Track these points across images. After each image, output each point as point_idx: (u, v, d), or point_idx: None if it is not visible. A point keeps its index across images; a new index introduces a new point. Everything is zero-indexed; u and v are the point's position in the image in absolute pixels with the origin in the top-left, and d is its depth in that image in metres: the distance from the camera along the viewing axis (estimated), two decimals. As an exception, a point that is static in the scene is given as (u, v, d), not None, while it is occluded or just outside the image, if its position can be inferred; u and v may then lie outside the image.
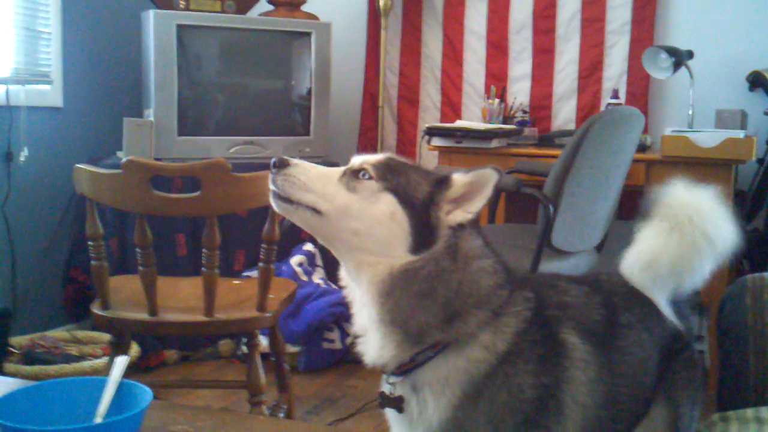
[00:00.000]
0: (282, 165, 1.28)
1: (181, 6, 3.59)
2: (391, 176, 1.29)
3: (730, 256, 1.48)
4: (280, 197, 1.28)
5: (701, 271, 1.45)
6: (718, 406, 1.67)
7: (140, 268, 2.09)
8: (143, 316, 2.13)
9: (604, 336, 1.39)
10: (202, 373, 3.29)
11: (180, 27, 3.46)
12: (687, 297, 1.56)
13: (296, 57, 3.85)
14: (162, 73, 3.45)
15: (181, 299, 2.30)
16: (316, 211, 1.27)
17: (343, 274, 1.35)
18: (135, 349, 3.14)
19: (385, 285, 1.26)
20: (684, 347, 1.55)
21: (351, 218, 1.27)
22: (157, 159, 3.41)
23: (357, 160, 1.32)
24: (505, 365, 1.27)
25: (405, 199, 1.28)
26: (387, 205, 1.28)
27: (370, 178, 1.28)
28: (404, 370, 1.29)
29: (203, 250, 2.11)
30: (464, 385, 1.26)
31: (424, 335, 1.26)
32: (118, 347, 2.29)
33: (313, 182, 1.28)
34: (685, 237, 1.41)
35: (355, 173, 1.28)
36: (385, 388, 1.34)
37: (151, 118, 3.46)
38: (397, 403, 1.31)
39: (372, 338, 1.31)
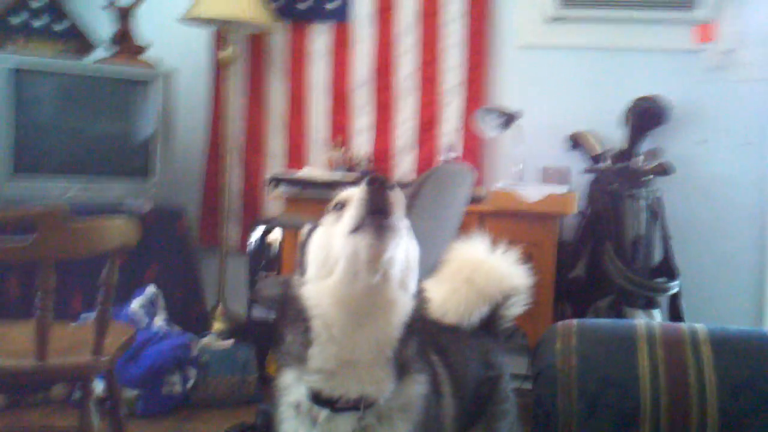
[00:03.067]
0: (387, 183, 1.25)
1: (16, 48, 3.48)
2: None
3: (524, 291, 1.87)
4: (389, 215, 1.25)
5: (480, 309, 1.78)
6: (534, 443, 1.82)
7: (-32, 313, 2.02)
8: (-30, 363, 2.05)
9: (441, 354, 1.56)
10: (33, 419, 3.14)
11: (14, 70, 3.35)
12: (500, 336, 1.83)
13: (140, 100, 3.80)
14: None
15: (13, 343, 2.23)
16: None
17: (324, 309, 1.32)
18: (-41, 397, 2.97)
19: (406, 322, 1.33)
20: (498, 377, 1.77)
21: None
22: (-11, 199, 3.29)
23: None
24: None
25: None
26: (415, 248, 1.36)
27: (401, 218, 1.31)
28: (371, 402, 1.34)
29: (38, 292, 2.06)
30: (421, 406, 1.37)
31: (408, 368, 1.36)
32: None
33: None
34: (462, 292, 1.76)
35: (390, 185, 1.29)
36: (342, 426, 1.34)
37: (-16, 157, 3.33)
38: None
39: (369, 374, 1.32)
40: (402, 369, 1.35)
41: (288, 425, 1.38)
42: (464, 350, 1.69)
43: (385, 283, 1.27)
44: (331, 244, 1.29)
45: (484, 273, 1.80)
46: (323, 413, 1.33)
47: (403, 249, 1.29)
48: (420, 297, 1.39)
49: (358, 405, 1.32)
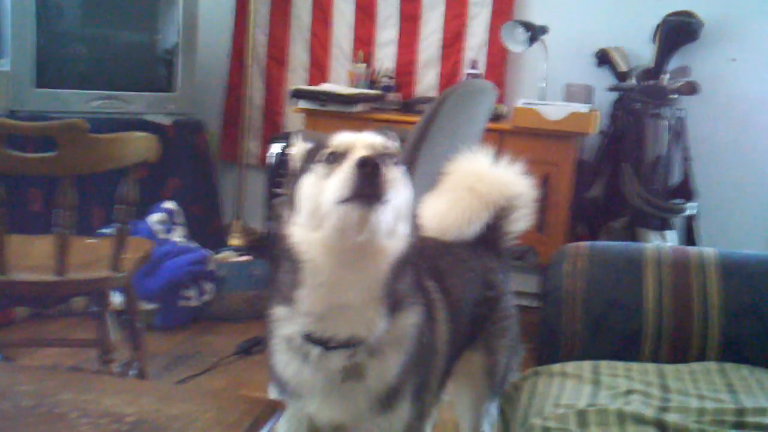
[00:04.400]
0: (378, 165, 1.21)
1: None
2: (396, 157, 1.34)
3: (528, 201, 1.85)
4: (379, 198, 1.22)
5: (482, 217, 1.77)
6: (537, 362, 1.85)
7: (-11, 226, 2.07)
8: (-7, 275, 2.12)
9: (438, 279, 1.56)
10: (53, 330, 3.23)
11: (37, -21, 3.35)
12: (504, 254, 1.84)
13: (163, 11, 3.80)
14: (19, 22, 3.32)
15: (33, 258, 2.28)
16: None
17: (310, 253, 1.31)
18: (-15, 307, 3.07)
19: (396, 263, 1.32)
20: (498, 297, 1.77)
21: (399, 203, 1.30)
22: (13, 111, 3.32)
23: (361, 139, 1.31)
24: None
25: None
26: (407, 186, 1.33)
27: (396, 164, 1.31)
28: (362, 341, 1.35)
29: (57, 209, 2.10)
30: (413, 336, 1.39)
31: (402, 303, 1.37)
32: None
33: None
34: (465, 203, 1.74)
35: (382, 156, 1.28)
36: (334, 362, 1.35)
37: (7, 68, 3.35)
38: (359, 370, 1.36)
39: (359, 315, 1.33)
40: (394, 305, 1.36)
41: (281, 357, 1.40)
42: (462, 272, 1.69)
43: (373, 238, 1.26)
44: (320, 200, 1.27)
45: (486, 181, 1.77)
46: (315, 350, 1.35)
47: (394, 206, 1.26)
48: (413, 233, 1.37)
49: (350, 344, 1.33)
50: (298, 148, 1.42)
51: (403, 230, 1.33)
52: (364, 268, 1.30)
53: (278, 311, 1.39)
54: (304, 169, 1.35)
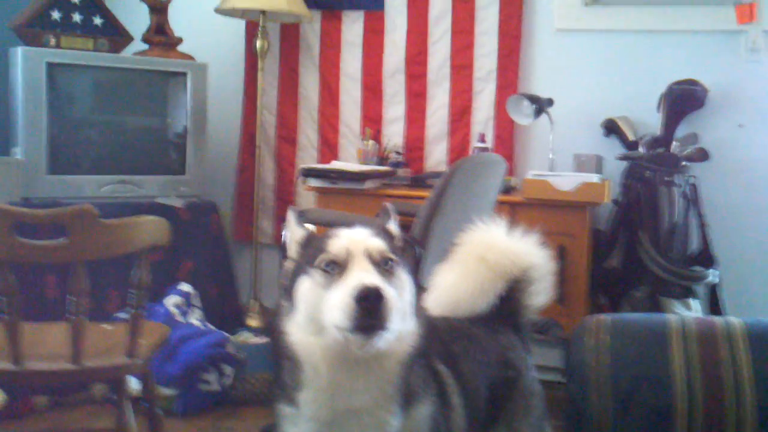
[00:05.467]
0: (379, 296, 1.20)
1: (52, 44, 3.53)
2: (400, 255, 1.33)
3: (545, 272, 1.78)
4: (382, 328, 1.21)
5: (495, 288, 1.71)
6: (566, 440, 1.80)
7: (3, 316, 2.05)
8: (7, 365, 2.08)
9: (451, 364, 1.51)
10: (74, 419, 3.17)
11: (50, 64, 3.42)
12: (524, 329, 1.78)
13: (172, 96, 3.85)
14: (31, 111, 3.38)
15: (49, 346, 2.26)
16: None
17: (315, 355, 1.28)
18: (1, 397, 3.03)
19: (406, 360, 1.30)
20: (519, 375, 1.70)
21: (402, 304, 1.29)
22: (25, 199, 3.34)
23: (360, 244, 1.29)
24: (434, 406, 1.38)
25: (411, 269, 1.36)
26: (411, 282, 1.33)
27: (395, 263, 1.30)
28: None
29: (71, 296, 2.09)
30: (429, 428, 1.35)
31: (415, 395, 1.34)
32: (-20, 397, 2.23)
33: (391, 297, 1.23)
34: (477, 274, 1.69)
35: (381, 263, 1.28)
36: None
37: (19, 157, 3.38)
38: None
39: (370, 418, 1.29)
40: (407, 399, 1.32)
41: None
42: (477, 354, 1.63)
43: (378, 351, 1.24)
44: (319, 310, 1.25)
45: (497, 251, 1.73)
46: None
47: (399, 309, 1.25)
48: (423, 324, 1.34)
49: None
50: (293, 233, 1.40)
51: (411, 327, 1.30)
52: (371, 372, 1.27)
53: (284, 410, 1.34)
54: (301, 268, 1.32)
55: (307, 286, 1.29)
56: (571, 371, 1.89)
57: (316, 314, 1.25)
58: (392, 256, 1.31)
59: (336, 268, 1.27)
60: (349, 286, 1.21)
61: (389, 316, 1.20)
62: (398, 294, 1.26)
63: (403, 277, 1.31)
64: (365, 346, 1.22)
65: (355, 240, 1.30)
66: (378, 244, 1.31)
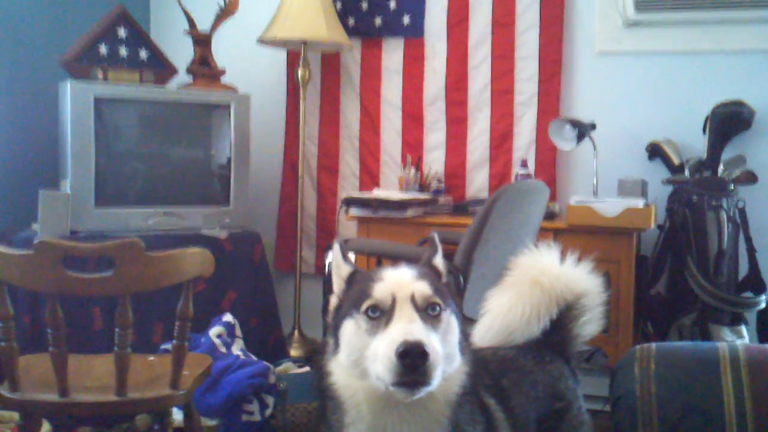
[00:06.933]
0: (423, 354, 1.19)
1: (99, 77, 3.61)
2: (446, 296, 1.33)
3: (597, 299, 1.77)
4: (424, 384, 1.21)
5: (549, 312, 1.69)
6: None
7: (51, 348, 2.09)
8: (53, 397, 2.12)
9: (500, 398, 1.50)
10: (118, 449, 3.21)
11: (97, 99, 3.49)
12: (573, 359, 1.75)
13: (215, 128, 3.90)
14: (79, 145, 3.44)
15: (94, 378, 2.29)
16: None
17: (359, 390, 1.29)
18: (46, 427, 3.06)
19: (452, 401, 1.30)
20: (568, 406, 1.67)
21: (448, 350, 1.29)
22: (73, 231, 3.39)
23: (405, 289, 1.28)
24: None
25: (456, 305, 1.36)
26: (457, 323, 1.33)
27: (441, 309, 1.30)
28: None
29: (116, 329, 2.12)
30: None
31: (462, 430, 1.33)
32: (27, 427, 2.26)
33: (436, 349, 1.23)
34: (531, 298, 1.67)
35: (427, 309, 1.28)
36: None
37: (68, 190, 3.45)
38: None
39: None
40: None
41: None
42: (527, 388, 1.62)
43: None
44: (363, 356, 1.25)
45: (551, 274, 1.72)
46: None
47: (446, 354, 1.25)
48: (469, 361, 1.33)
49: None
50: (339, 268, 1.41)
51: (458, 365, 1.29)
52: (416, 414, 1.27)
53: None
54: (346, 310, 1.32)
55: (350, 331, 1.29)
56: (617, 400, 1.85)
57: (360, 360, 1.25)
58: (438, 300, 1.29)
59: (380, 313, 1.26)
60: (392, 340, 1.20)
61: (433, 372, 1.19)
62: (444, 339, 1.25)
63: (450, 321, 1.30)
64: (408, 398, 1.22)
65: (400, 284, 1.29)
66: (423, 288, 1.29)
